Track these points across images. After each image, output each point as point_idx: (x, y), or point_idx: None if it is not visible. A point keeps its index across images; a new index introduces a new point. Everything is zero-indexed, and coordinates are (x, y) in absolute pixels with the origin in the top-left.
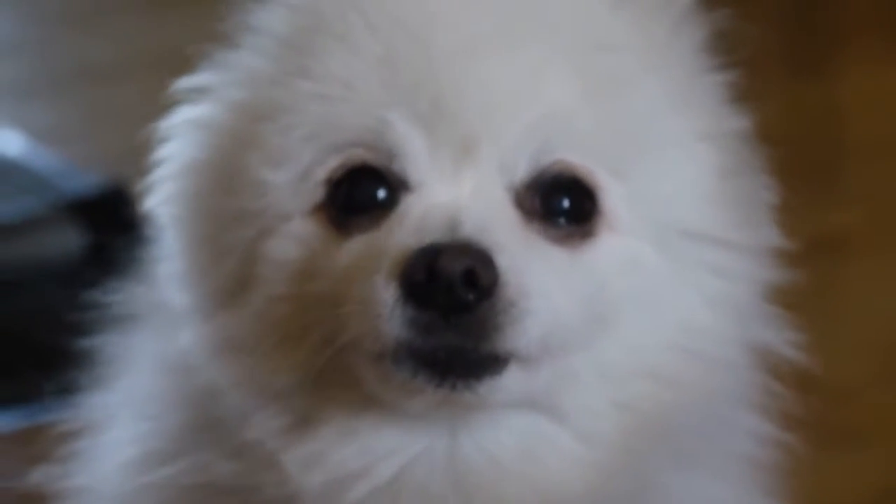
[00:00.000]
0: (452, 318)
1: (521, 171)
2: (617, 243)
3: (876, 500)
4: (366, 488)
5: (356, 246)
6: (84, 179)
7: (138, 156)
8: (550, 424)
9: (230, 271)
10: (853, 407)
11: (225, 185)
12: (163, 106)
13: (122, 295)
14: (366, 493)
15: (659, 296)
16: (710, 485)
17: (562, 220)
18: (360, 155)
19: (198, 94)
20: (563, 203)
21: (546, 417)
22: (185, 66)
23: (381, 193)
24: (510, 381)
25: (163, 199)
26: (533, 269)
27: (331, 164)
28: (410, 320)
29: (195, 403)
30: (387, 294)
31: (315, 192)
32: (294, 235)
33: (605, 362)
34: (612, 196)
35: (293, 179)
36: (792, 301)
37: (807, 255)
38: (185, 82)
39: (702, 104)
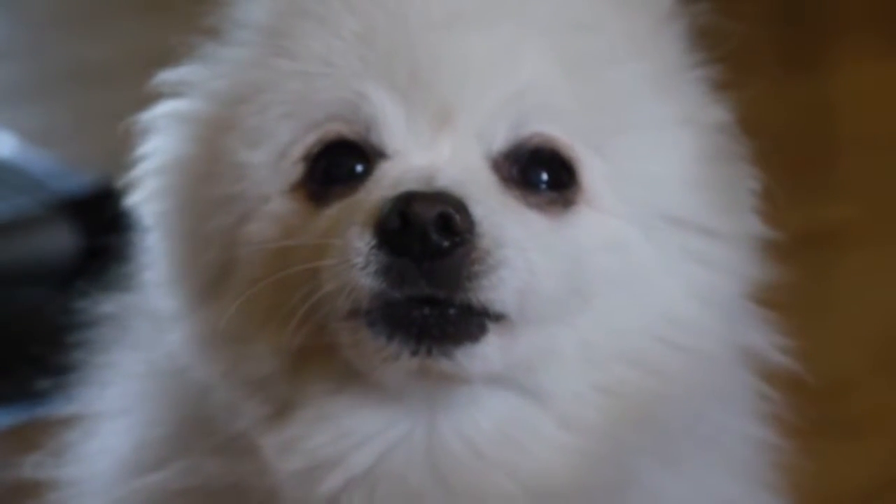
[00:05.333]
0: (426, 265)
1: (499, 140)
2: (598, 220)
3: (873, 491)
4: (342, 477)
5: (333, 211)
6: (76, 179)
7: (129, 156)
8: (532, 408)
9: (212, 261)
10: (849, 399)
11: (205, 173)
12: (152, 107)
13: (112, 301)
14: (342, 483)
15: (642, 280)
16: (697, 482)
17: (542, 186)
18: (336, 129)
19: (179, 87)
20: (542, 176)
21: (527, 400)
22: (174, 68)
23: (359, 168)
24: (488, 348)
25: (145, 195)
26: (509, 224)
27: (307, 141)
28: (385, 268)
29: (184, 405)
30: (361, 242)
31: (293, 170)
32: (273, 215)
33: (586, 342)
34: (592, 172)
35: (271, 159)
36: (786, 295)
37: (800, 249)
38: (167, 76)
39: (686, 92)
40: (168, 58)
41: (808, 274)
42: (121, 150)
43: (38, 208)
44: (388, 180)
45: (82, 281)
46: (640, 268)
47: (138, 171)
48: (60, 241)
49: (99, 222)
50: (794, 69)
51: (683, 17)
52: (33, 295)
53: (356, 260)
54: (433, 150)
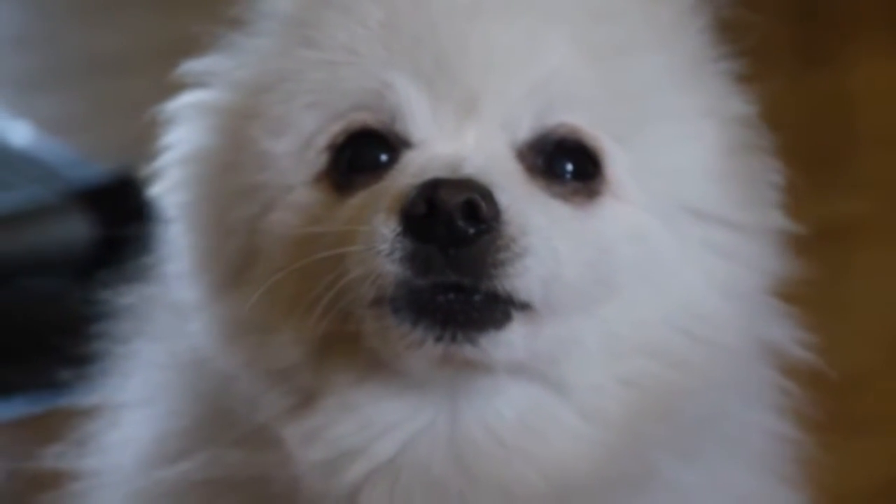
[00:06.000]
0: (451, 252)
1: (525, 129)
2: (622, 211)
3: (885, 488)
4: (365, 467)
5: (357, 200)
6: (92, 169)
7: (145, 146)
8: (553, 398)
9: (235, 250)
10: (862, 395)
11: (229, 163)
12: (170, 96)
13: (132, 291)
14: (366, 473)
15: (665, 271)
16: (716, 475)
17: (567, 176)
18: (361, 118)
19: (203, 77)
20: (567, 166)
21: (549, 391)
22: (192, 57)
23: (384, 157)
24: (513, 336)
25: (168, 186)
26: (535, 212)
27: (332, 131)
28: (410, 255)
29: (206, 397)
30: (387, 229)
31: (317, 160)
32: (297, 205)
33: (608, 334)
34: (617, 163)
35: (295, 148)
36: (800, 290)
37: (815, 244)
38: (192, 66)
39: (708, 85)
40: (183, 48)
41: (824, 269)
42: (136, 140)
43: (54, 198)
44: (414, 168)
45: (100, 271)
46: (663, 259)
47: (161, 161)
48: (75, 230)
49: (114, 212)
50: (811, 65)
51: (705, 10)
52: (48, 285)
53: (381, 246)
54: (458, 139)
